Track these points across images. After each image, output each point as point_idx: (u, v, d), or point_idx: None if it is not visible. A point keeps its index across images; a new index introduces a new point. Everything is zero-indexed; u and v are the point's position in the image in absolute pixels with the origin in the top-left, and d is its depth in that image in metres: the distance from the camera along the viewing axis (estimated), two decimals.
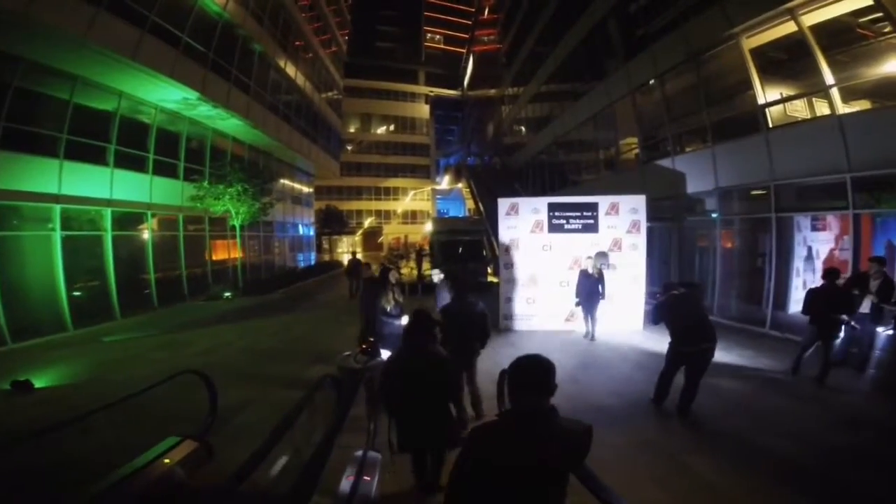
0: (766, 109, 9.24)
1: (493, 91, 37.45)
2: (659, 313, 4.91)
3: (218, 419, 3.28)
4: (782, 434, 4.24)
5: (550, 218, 8.90)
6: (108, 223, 11.38)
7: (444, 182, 41.36)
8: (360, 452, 2.95)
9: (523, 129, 27.70)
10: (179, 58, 12.16)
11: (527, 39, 23.93)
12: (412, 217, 42.67)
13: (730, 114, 10.30)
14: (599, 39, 15.17)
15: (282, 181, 22.61)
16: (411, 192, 43.32)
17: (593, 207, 8.92)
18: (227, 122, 15.65)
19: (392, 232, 40.62)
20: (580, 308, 8.17)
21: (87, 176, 10.88)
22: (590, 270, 8.00)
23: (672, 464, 3.77)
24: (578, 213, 8.90)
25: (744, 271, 9.89)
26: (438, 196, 42.41)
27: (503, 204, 9.08)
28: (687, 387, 4.66)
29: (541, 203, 9.02)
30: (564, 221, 8.89)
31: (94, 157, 11.15)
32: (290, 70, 20.84)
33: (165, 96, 12.74)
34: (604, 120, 15.54)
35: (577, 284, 8.08)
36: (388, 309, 5.36)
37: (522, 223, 8.95)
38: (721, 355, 6.52)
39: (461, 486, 1.68)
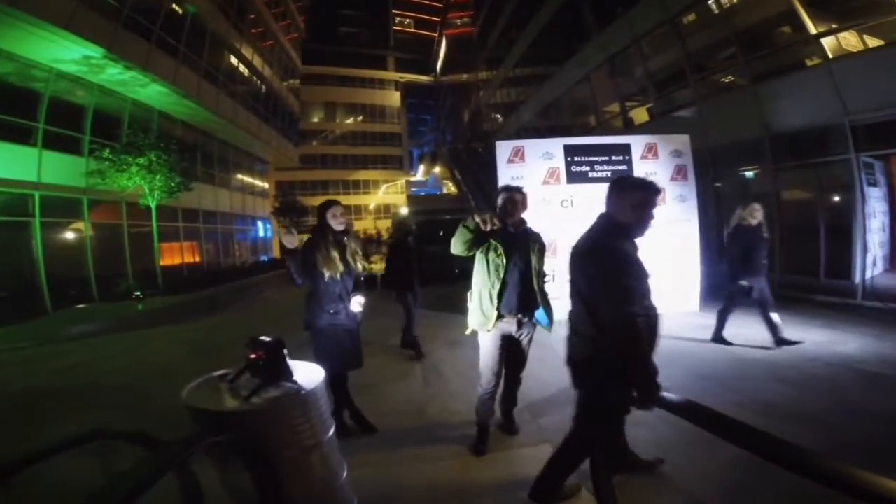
0: (821, 40, 7.36)
1: (466, 76, 35.21)
2: None
3: None
4: None
5: (569, 164, 6.50)
6: None
7: (420, 172, 38.70)
8: None
9: (502, 112, 25.51)
10: (79, 8, 9.42)
11: (503, 11, 21.71)
12: (385, 211, 39.51)
13: (772, 49, 8.48)
14: None
15: (226, 164, 19.50)
16: (384, 185, 40.30)
17: (625, 150, 6.58)
18: (150, 91, 12.76)
19: (364, 228, 37.51)
20: None
21: None
22: None
23: None
24: (606, 158, 6.54)
25: (813, 232, 7.75)
26: (413, 188, 39.62)
27: (504, 147, 6.63)
28: None
29: (555, 146, 6.59)
30: (589, 168, 6.50)
31: None
32: (236, 41, 18.04)
33: (60, 55, 9.97)
34: (604, 77, 13.36)
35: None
36: (327, 278, 2.81)
37: (531, 172, 6.49)
38: (835, 341, 4.80)
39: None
